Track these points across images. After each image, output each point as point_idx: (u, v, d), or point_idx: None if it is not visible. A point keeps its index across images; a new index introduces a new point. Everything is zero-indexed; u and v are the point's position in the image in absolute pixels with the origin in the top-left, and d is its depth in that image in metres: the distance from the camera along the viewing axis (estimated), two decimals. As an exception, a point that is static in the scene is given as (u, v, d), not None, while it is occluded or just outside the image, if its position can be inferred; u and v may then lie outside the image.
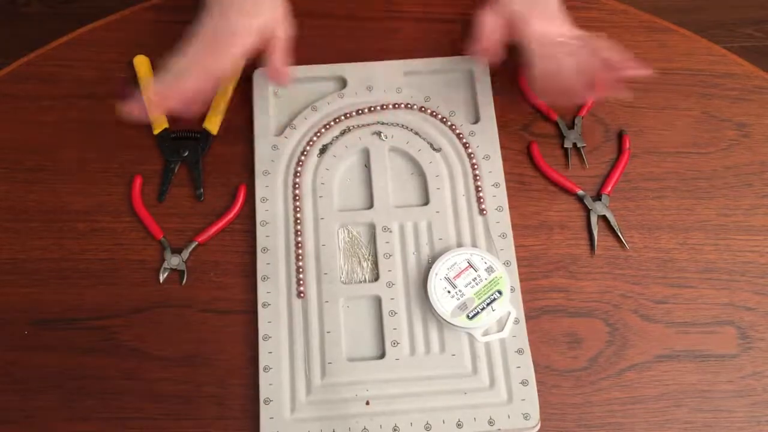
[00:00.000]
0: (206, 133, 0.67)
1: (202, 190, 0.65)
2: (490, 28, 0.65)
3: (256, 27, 0.61)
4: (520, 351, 0.58)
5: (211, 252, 0.63)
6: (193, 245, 0.62)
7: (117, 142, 0.67)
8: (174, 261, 0.62)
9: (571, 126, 0.68)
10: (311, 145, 0.66)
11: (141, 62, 0.69)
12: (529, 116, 0.69)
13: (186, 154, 0.66)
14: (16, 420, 0.57)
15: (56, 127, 0.67)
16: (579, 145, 0.67)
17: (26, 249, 0.62)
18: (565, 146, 0.67)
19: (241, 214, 0.64)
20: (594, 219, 0.64)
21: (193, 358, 0.59)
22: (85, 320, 0.60)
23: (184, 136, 0.66)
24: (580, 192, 0.65)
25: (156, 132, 0.67)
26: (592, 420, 0.57)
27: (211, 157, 0.66)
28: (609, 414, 0.58)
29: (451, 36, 0.71)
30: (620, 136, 0.68)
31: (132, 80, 0.69)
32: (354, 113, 0.67)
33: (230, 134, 0.67)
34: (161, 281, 0.61)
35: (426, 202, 0.64)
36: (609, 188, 0.65)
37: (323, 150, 0.64)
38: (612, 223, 0.64)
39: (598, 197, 0.65)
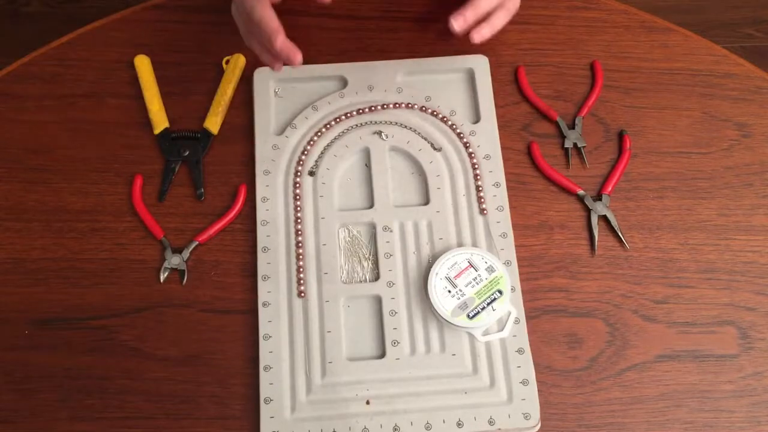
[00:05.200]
0: (206, 133, 0.67)
1: (202, 189, 0.65)
2: None
3: None
4: (520, 351, 0.58)
5: (212, 252, 0.63)
6: (194, 245, 0.62)
7: (117, 142, 0.67)
8: (174, 261, 0.61)
9: (572, 126, 0.68)
10: (312, 145, 0.66)
11: (141, 62, 0.69)
12: (529, 116, 0.69)
13: (186, 153, 0.66)
14: (16, 420, 0.57)
15: (56, 127, 0.67)
16: (579, 145, 0.67)
17: (26, 249, 0.62)
18: (565, 146, 0.67)
19: (242, 214, 0.64)
20: (594, 219, 0.64)
21: (193, 358, 0.59)
22: (85, 320, 0.60)
23: (185, 136, 0.66)
24: (581, 192, 0.65)
25: (156, 132, 0.66)
26: (592, 420, 0.57)
27: (211, 157, 0.66)
28: (609, 414, 0.58)
29: (451, 36, 0.71)
30: (621, 136, 0.68)
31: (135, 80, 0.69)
32: (355, 113, 0.67)
33: (230, 134, 0.67)
34: (162, 281, 0.61)
35: (426, 202, 0.64)
36: (609, 188, 0.65)
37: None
38: (612, 223, 0.64)
39: (598, 197, 0.65)
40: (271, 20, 0.58)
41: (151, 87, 0.68)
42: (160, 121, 0.67)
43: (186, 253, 0.62)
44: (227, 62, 0.69)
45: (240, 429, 0.57)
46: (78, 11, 1.49)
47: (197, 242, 0.62)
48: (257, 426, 0.56)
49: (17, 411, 0.57)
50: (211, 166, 0.66)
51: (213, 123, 0.67)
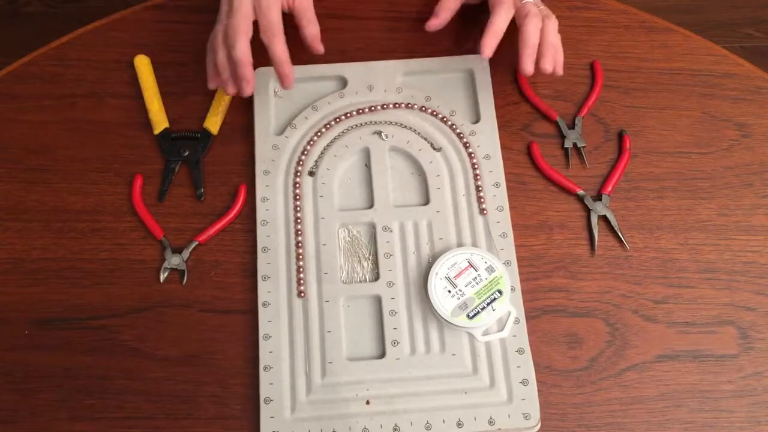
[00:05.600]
0: (206, 133, 0.67)
1: (202, 190, 0.65)
2: None
3: None
4: (520, 351, 0.58)
5: (212, 252, 0.63)
6: (194, 245, 0.62)
7: (117, 142, 0.67)
8: (174, 261, 0.61)
9: (572, 126, 0.68)
10: (312, 145, 0.66)
11: (141, 62, 0.69)
12: (529, 116, 0.69)
13: (186, 154, 0.66)
14: (16, 420, 0.57)
15: (56, 127, 0.67)
16: (579, 145, 0.67)
17: (26, 249, 0.62)
18: (565, 146, 0.67)
19: (241, 214, 0.64)
20: (594, 219, 0.64)
21: (193, 358, 0.59)
22: (85, 320, 0.60)
23: (185, 136, 0.66)
24: (581, 192, 0.65)
25: (156, 132, 0.66)
26: (592, 420, 0.57)
27: (211, 157, 0.66)
28: (609, 414, 0.58)
29: (451, 36, 0.71)
30: (620, 136, 0.68)
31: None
32: (354, 113, 0.67)
33: (230, 134, 0.67)
34: (162, 281, 0.61)
35: (426, 202, 0.64)
36: (609, 188, 0.65)
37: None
38: (612, 223, 0.64)
39: (598, 197, 0.65)
40: (246, 57, 0.61)
41: (151, 87, 0.68)
42: (160, 121, 0.67)
43: (186, 253, 0.62)
44: (227, 62, 0.69)
45: (240, 429, 0.57)
46: (78, 11, 1.49)
47: (197, 242, 0.62)
48: (257, 426, 0.56)
49: (17, 411, 0.57)
50: (211, 166, 0.66)
51: (213, 123, 0.67)
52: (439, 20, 0.68)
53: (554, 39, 0.65)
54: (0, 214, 0.64)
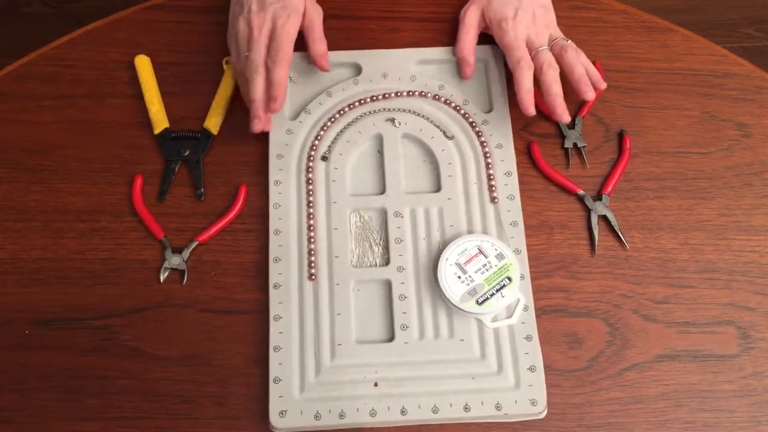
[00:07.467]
0: (206, 133, 0.67)
1: (202, 189, 0.65)
2: (470, 25, 0.68)
3: (295, 7, 0.64)
4: (528, 337, 0.58)
5: (212, 252, 0.63)
6: (194, 245, 0.62)
7: (117, 142, 0.67)
8: (175, 261, 0.61)
9: (572, 126, 0.68)
10: (326, 130, 0.66)
11: (141, 62, 0.69)
12: (530, 116, 0.69)
13: (186, 153, 0.66)
14: (16, 419, 0.57)
15: (56, 127, 0.67)
16: (579, 145, 0.67)
17: (26, 249, 0.62)
18: (565, 146, 0.67)
19: (242, 214, 0.64)
20: (594, 219, 0.64)
21: (193, 358, 0.59)
22: (85, 320, 0.60)
23: (185, 136, 0.66)
24: (581, 192, 0.65)
25: (156, 132, 0.66)
26: (592, 420, 0.57)
27: (211, 157, 0.66)
28: (609, 414, 0.58)
29: (452, 35, 0.71)
30: (621, 136, 0.68)
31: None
32: (368, 99, 0.67)
33: (230, 134, 0.67)
34: (162, 281, 0.61)
35: (438, 189, 0.64)
36: (609, 188, 0.65)
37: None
38: (612, 223, 0.64)
39: (598, 197, 0.65)
40: (281, 85, 0.62)
41: (151, 87, 0.68)
42: (160, 121, 0.67)
43: (186, 253, 0.62)
44: (227, 62, 0.69)
45: (240, 429, 0.57)
46: (78, 11, 1.49)
47: (197, 242, 0.62)
48: (257, 426, 0.56)
49: (17, 411, 0.57)
50: (211, 166, 0.66)
51: (213, 123, 0.67)
52: (471, 67, 0.68)
53: (580, 69, 0.64)
54: (0, 214, 0.64)
